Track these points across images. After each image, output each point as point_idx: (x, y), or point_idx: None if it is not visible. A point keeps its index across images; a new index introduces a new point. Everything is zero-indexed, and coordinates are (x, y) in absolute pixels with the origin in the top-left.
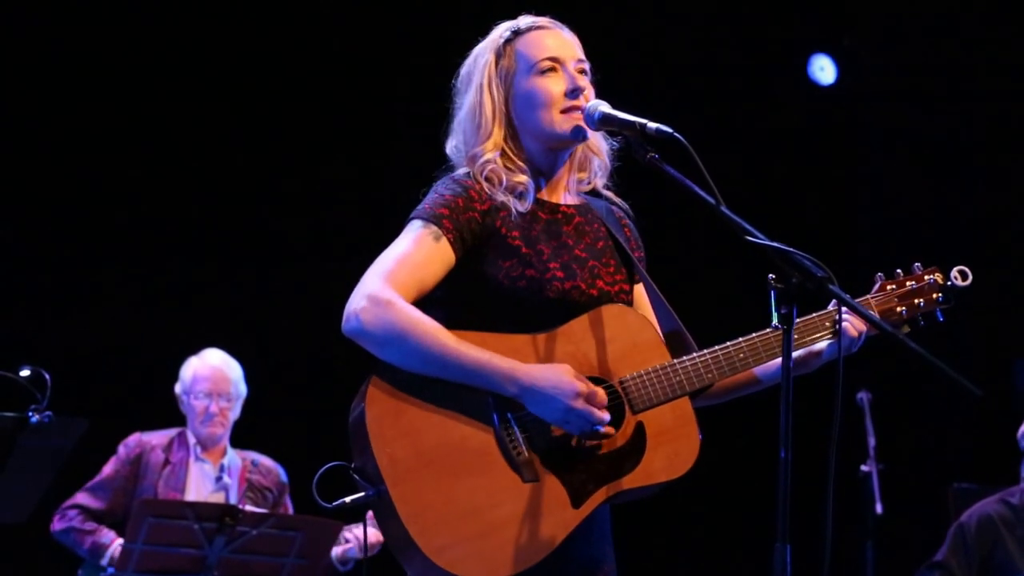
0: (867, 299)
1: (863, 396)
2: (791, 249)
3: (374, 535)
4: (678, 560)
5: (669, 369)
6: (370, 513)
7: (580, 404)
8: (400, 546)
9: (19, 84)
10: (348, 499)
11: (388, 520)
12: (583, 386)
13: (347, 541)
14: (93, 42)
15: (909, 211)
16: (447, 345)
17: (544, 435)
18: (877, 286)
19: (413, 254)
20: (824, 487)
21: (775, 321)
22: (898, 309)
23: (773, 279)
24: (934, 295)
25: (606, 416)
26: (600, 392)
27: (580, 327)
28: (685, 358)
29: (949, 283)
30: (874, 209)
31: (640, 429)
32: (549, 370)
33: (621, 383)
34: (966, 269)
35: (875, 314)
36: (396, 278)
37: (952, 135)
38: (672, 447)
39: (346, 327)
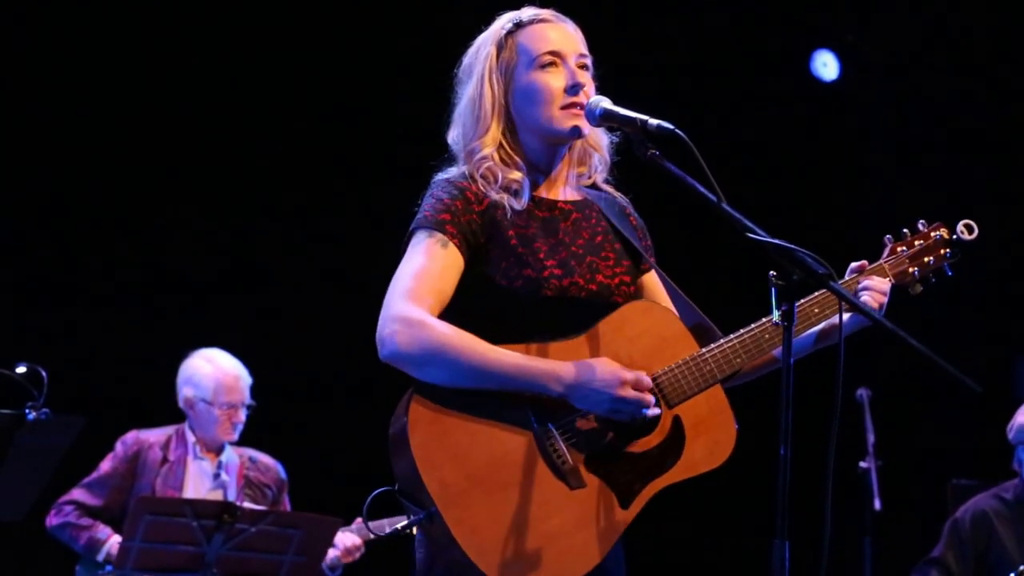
0: (880, 264)
1: (862, 393)
2: (792, 246)
3: (351, 540)
4: (677, 556)
5: (699, 359)
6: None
7: (627, 392)
8: (461, 562)
9: (21, 82)
10: (399, 525)
11: (444, 541)
12: (627, 373)
13: (334, 547)
14: (95, 41)
15: (911, 208)
16: (486, 355)
17: (586, 440)
18: (887, 250)
19: (428, 266)
20: (823, 483)
21: (775, 319)
22: (911, 270)
23: (774, 276)
24: (942, 251)
25: (651, 399)
26: (644, 377)
27: (606, 328)
28: (713, 346)
29: (955, 236)
30: (876, 205)
31: (678, 422)
32: (591, 363)
33: (654, 379)
34: (972, 223)
35: (886, 290)
36: (418, 295)
37: (954, 131)
38: (711, 436)
39: (383, 353)
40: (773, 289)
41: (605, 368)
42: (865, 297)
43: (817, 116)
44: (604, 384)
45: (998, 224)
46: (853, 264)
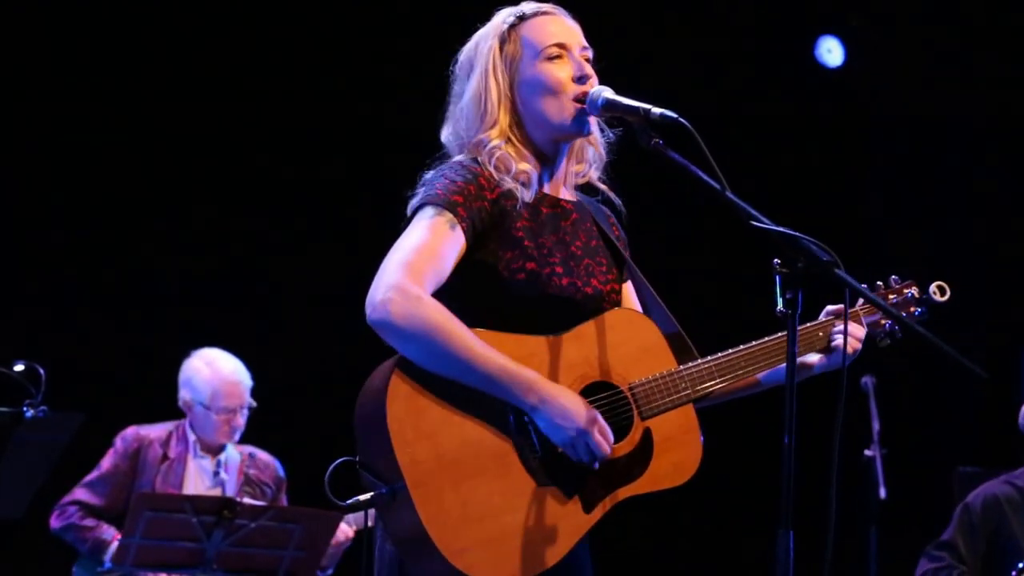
0: (856, 311)
1: (868, 380)
2: (796, 233)
3: (343, 533)
4: (682, 546)
5: (676, 375)
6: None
7: (593, 433)
8: (412, 544)
9: (21, 80)
10: (362, 497)
11: (402, 519)
12: (601, 419)
13: None
14: (97, 39)
15: (915, 194)
16: (473, 350)
17: None
18: (861, 300)
19: (431, 243)
20: (828, 472)
21: (780, 306)
22: (882, 322)
23: (778, 264)
24: (912, 308)
25: (608, 452)
26: (608, 430)
27: (590, 330)
28: (691, 364)
29: (926, 297)
30: (880, 192)
31: (648, 435)
32: (570, 392)
33: (631, 388)
34: (944, 285)
35: (862, 336)
36: (418, 269)
37: (959, 118)
38: (677, 454)
39: (372, 316)
40: (777, 277)
41: (581, 403)
42: (840, 340)
43: (821, 102)
44: (576, 416)
45: (1003, 210)
46: (829, 307)
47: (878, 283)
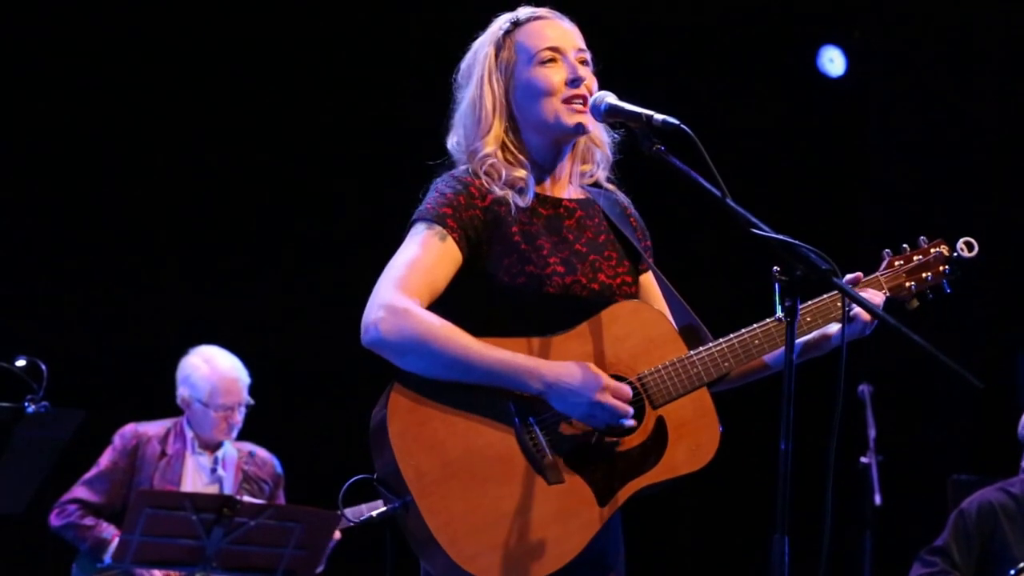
0: (876, 277)
1: (864, 389)
2: (796, 241)
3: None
4: (677, 551)
5: (686, 361)
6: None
7: (605, 398)
8: (428, 553)
9: (23, 78)
10: (374, 513)
11: (416, 530)
12: (608, 380)
13: None
14: (98, 37)
15: (916, 203)
16: (469, 348)
17: (566, 436)
18: (885, 262)
19: (422, 257)
20: (823, 478)
21: (779, 314)
22: (907, 284)
23: (777, 271)
24: (941, 267)
25: (630, 410)
26: (624, 387)
27: (594, 326)
28: (701, 349)
29: (955, 255)
30: (881, 201)
31: (661, 423)
32: (573, 365)
33: (639, 379)
34: (972, 240)
35: (880, 303)
36: (409, 284)
37: (960, 127)
38: (693, 439)
39: (365, 338)
40: (776, 285)
41: (588, 371)
42: (858, 309)
43: (823, 112)
44: (585, 387)
45: (1001, 219)
46: (848, 276)
47: (904, 246)
